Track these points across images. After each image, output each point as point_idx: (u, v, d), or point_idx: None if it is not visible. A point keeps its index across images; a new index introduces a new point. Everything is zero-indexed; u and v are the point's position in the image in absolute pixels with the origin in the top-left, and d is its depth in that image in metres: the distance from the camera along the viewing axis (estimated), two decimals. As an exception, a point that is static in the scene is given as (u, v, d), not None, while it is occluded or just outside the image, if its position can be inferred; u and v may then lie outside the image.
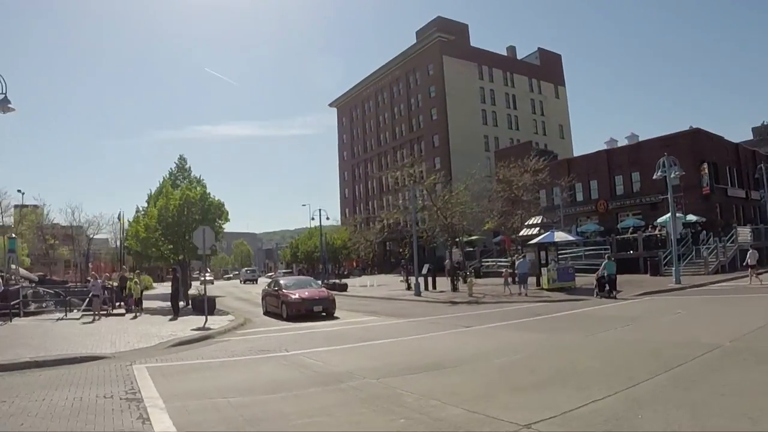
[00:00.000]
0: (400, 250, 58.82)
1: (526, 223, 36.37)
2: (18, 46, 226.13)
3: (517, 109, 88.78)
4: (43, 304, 28.98)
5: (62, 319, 24.33)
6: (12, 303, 24.65)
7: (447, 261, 40.17)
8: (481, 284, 36.55)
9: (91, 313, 24.48)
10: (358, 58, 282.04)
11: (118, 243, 62.90)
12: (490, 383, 9.17)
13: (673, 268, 29.97)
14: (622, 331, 14.83)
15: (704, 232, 39.46)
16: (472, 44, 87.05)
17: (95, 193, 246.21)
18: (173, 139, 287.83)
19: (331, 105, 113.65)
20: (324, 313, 23.37)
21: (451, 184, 45.70)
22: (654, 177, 32.95)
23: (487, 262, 52.08)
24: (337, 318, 23.11)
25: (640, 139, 53.12)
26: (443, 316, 22.32)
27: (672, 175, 31.31)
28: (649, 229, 42.59)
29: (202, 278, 28.72)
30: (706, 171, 44.61)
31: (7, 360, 12.75)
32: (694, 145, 45.84)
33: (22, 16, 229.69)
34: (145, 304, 30.54)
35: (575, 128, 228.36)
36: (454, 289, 34.89)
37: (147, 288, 49.18)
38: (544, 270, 31.63)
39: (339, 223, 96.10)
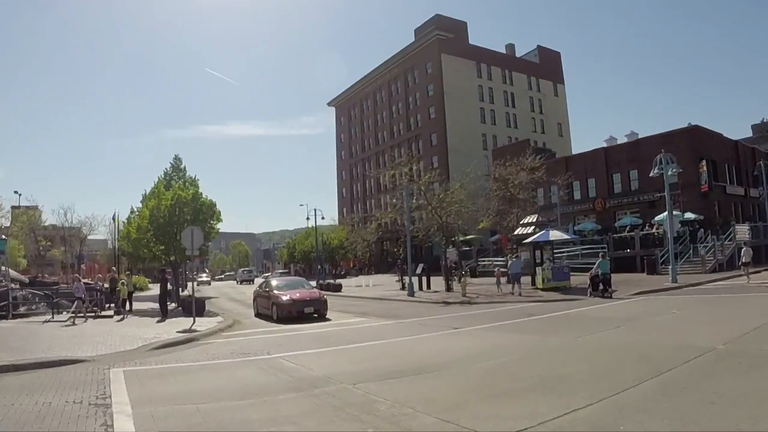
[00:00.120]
0: (395, 249, 58.48)
1: (521, 222, 35.95)
2: (19, 46, 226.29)
3: (516, 108, 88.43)
4: (33, 306, 28.71)
5: (49, 321, 24.04)
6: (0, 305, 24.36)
7: (448, 259, 39.75)
8: (477, 284, 36.24)
9: (75, 315, 24.10)
10: (357, 56, 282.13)
11: (115, 244, 62.70)
12: (469, 389, 8.77)
13: (670, 267, 29.61)
14: (613, 332, 14.43)
15: (702, 230, 39.11)
16: (470, 42, 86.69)
17: (94, 193, 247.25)
18: (174, 138, 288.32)
19: (329, 104, 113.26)
20: (316, 315, 22.99)
21: (448, 182, 45.39)
22: (651, 174, 32.65)
23: (484, 261, 51.77)
24: (328, 320, 22.71)
25: (640, 137, 52.75)
26: (434, 317, 21.93)
27: (669, 173, 30.99)
28: (647, 228, 42.29)
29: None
30: (705, 168, 44.22)
31: (-15, 363, 12.56)
32: (692, 143, 45.50)
33: (23, 16, 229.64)
34: (137, 305, 30.38)
35: (575, 127, 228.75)
36: (449, 289, 34.55)
37: (142, 289, 49.13)
38: (538, 269, 31.29)
39: (337, 222, 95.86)
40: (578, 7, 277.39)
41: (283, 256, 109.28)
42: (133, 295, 30.27)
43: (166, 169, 45.12)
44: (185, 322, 21.42)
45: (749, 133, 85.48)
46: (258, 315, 25.90)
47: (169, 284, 27.88)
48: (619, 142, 56.03)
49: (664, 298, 23.22)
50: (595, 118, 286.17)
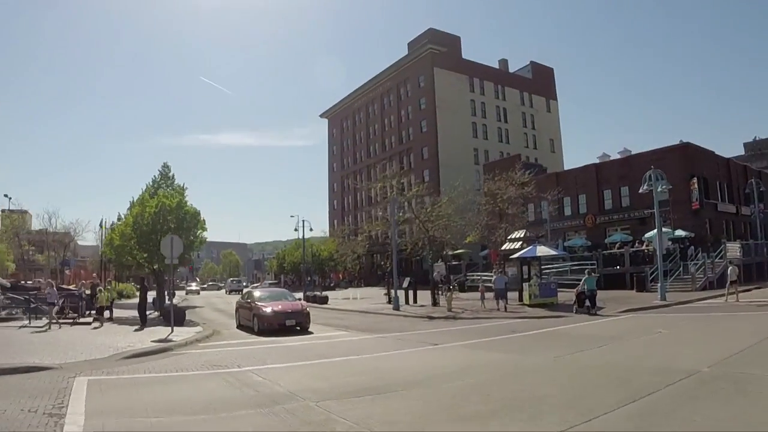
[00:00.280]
0: (382, 263, 58.10)
1: (508, 237, 35.60)
2: (18, 46, 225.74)
3: (508, 123, 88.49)
4: (13, 311, 28.37)
5: (25, 326, 23.72)
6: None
7: (436, 273, 39.35)
8: (464, 299, 35.77)
9: (51, 321, 23.64)
10: (350, 68, 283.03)
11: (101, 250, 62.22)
12: (434, 410, 8.37)
13: (659, 285, 29.26)
14: (595, 352, 13.99)
15: (693, 247, 38.85)
16: (463, 57, 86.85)
17: (83, 199, 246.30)
18: (167, 145, 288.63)
19: (322, 116, 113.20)
20: (298, 328, 22.47)
21: (438, 196, 45.12)
22: (640, 191, 32.44)
23: (473, 276, 51.35)
24: (311, 333, 22.20)
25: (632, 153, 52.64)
26: (415, 332, 21.46)
27: (659, 189, 30.70)
28: (637, 244, 42.05)
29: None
30: (696, 186, 44.13)
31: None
32: (684, 160, 45.45)
33: (23, 16, 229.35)
34: (120, 313, 30.10)
35: (568, 143, 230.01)
36: (435, 303, 34.08)
37: (129, 296, 48.62)
38: (525, 285, 30.86)
39: (328, 234, 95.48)
40: (572, 24, 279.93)
41: (273, 267, 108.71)
42: (118, 302, 29.83)
43: (154, 176, 44.55)
44: (163, 332, 21.17)
45: (741, 151, 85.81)
46: (240, 326, 25.41)
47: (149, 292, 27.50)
48: (612, 158, 55.88)
49: (651, 317, 22.85)
50: (589, 134, 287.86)
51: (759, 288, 32.63)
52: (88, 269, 76.24)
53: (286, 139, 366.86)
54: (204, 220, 38.66)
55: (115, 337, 19.93)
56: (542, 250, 31.22)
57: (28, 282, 41.76)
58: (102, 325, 24.56)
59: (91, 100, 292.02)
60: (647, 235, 39.92)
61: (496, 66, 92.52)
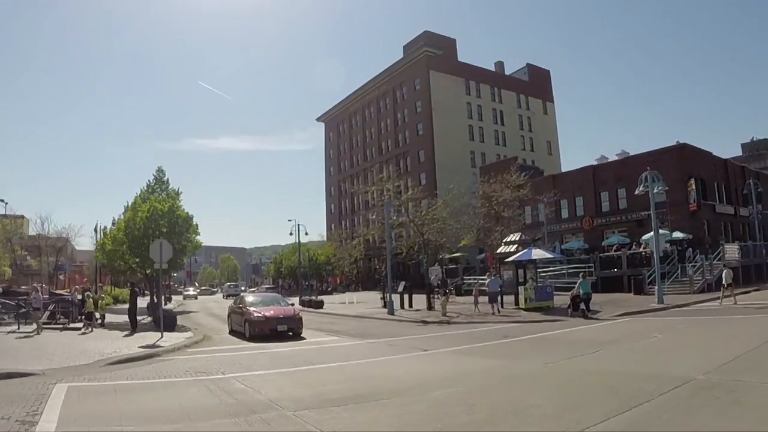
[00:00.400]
0: (378, 267, 57.84)
1: (504, 240, 35.29)
2: (18, 46, 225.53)
3: (505, 125, 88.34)
4: (4, 317, 28.23)
5: (14, 332, 23.57)
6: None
7: (433, 277, 39.09)
8: (460, 302, 35.52)
9: (40, 327, 23.37)
10: (346, 72, 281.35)
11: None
12: (414, 421, 8.02)
13: (656, 288, 28.95)
14: (588, 358, 13.64)
15: (690, 249, 38.55)
16: (459, 59, 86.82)
17: (79, 202, 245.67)
18: (164, 150, 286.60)
19: (318, 119, 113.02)
20: (290, 333, 22.13)
21: (434, 199, 44.89)
22: (636, 192, 32.20)
23: (469, 279, 51.05)
24: (303, 338, 21.88)
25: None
26: (407, 337, 21.19)
27: (655, 191, 30.41)
28: (634, 247, 41.76)
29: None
30: (693, 187, 43.77)
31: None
32: (681, 161, 45.10)
33: (23, 16, 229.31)
34: (113, 318, 29.99)
35: (566, 145, 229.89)
36: (430, 307, 33.83)
37: (124, 301, 48.22)
38: (521, 288, 30.58)
39: (325, 238, 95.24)
40: (568, 26, 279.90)
41: (270, 272, 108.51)
42: (114, 307, 29.58)
43: (149, 181, 44.36)
44: (152, 337, 21.04)
45: (739, 152, 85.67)
46: (232, 332, 25.10)
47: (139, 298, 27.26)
48: (610, 160, 55.60)
49: (648, 320, 22.53)
50: (586, 136, 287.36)
51: (758, 290, 32.39)
52: (84, 274, 76.01)
53: (285, 143, 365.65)
54: (197, 224, 38.44)
55: (102, 342, 19.76)
56: (537, 253, 30.92)
57: (22, 287, 41.66)
58: (92, 331, 24.39)
59: (90, 101, 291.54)
60: (644, 237, 39.65)
61: (492, 68, 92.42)
